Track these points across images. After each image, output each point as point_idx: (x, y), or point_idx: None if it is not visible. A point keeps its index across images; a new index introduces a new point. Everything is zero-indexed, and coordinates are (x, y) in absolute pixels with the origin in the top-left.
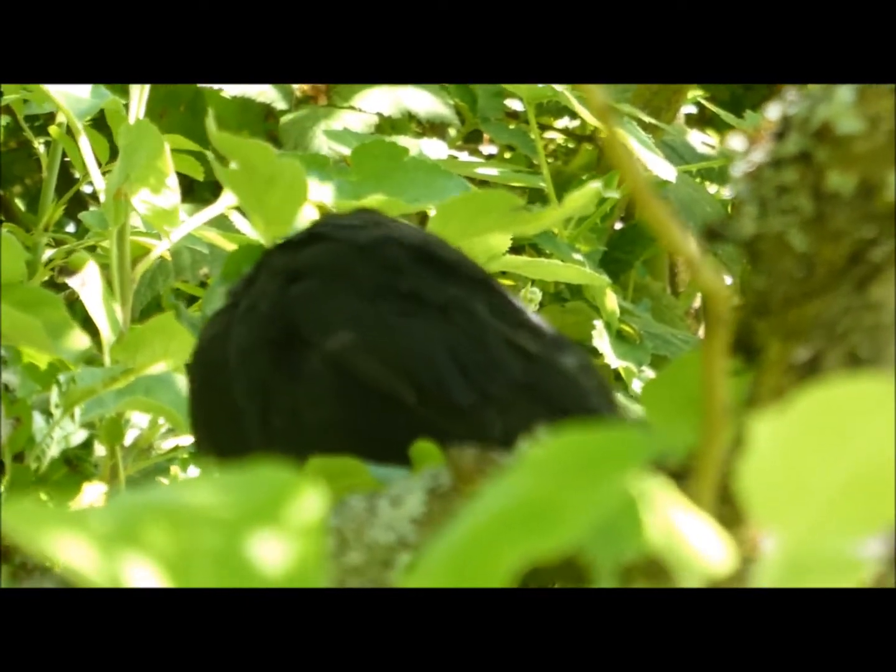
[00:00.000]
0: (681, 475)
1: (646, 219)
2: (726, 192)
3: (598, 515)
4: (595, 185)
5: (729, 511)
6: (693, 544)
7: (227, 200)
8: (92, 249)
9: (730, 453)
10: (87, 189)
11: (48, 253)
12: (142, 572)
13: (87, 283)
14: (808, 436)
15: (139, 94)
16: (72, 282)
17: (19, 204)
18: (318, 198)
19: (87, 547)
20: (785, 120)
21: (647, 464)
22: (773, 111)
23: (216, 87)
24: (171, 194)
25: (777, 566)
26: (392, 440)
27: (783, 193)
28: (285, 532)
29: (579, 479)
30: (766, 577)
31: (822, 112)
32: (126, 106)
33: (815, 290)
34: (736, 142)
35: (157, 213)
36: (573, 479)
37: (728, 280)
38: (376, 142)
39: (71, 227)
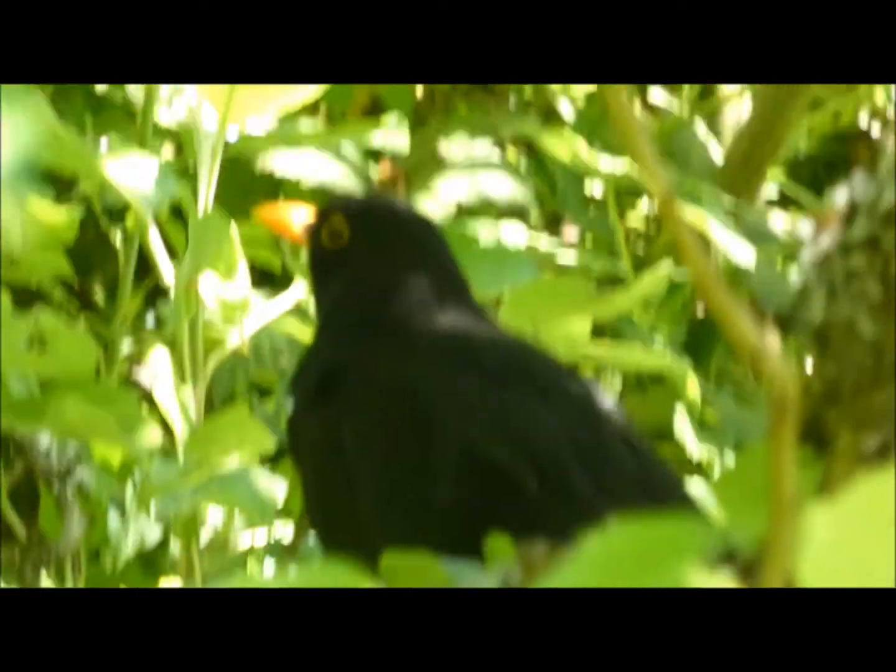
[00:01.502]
0: (752, 567)
1: (709, 305)
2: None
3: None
4: (665, 269)
5: None
6: None
7: (298, 289)
8: (171, 342)
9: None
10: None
11: (126, 345)
12: None
13: (159, 377)
14: (862, 524)
15: (206, 186)
16: (143, 377)
17: (99, 295)
18: None
19: None
20: (852, 204)
21: (710, 555)
22: (840, 195)
23: (293, 177)
24: (242, 286)
25: None
26: (509, 523)
27: (852, 279)
28: None
29: (634, 570)
30: None
31: (889, 196)
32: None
33: (884, 377)
34: (804, 226)
35: (227, 305)
36: (627, 569)
37: (807, 366)
38: (448, 227)
39: (151, 318)
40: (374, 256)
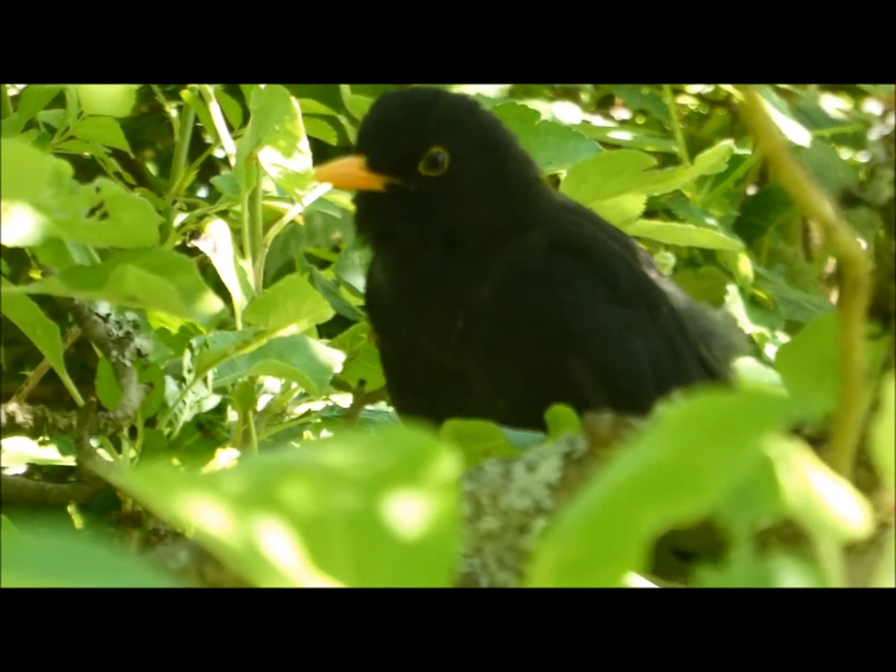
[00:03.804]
0: (818, 440)
1: (782, 182)
2: (860, 158)
3: (735, 478)
4: (727, 143)
5: (866, 475)
6: (830, 508)
7: None
8: (224, 214)
9: (866, 418)
10: (219, 154)
11: (180, 217)
12: (276, 534)
13: (219, 248)
14: None
15: None
16: (203, 246)
17: (151, 168)
18: None
19: (220, 510)
20: None
21: (784, 428)
22: None
23: None
24: (303, 158)
25: None
26: None
27: None
28: (421, 493)
29: (716, 442)
30: None
31: None
32: None
33: None
34: (873, 106)
35: (289, 176)
36: (709, 441)
37: (863, 245)
38: (508, 105)
39: (203, 192)
40: (484, 170)
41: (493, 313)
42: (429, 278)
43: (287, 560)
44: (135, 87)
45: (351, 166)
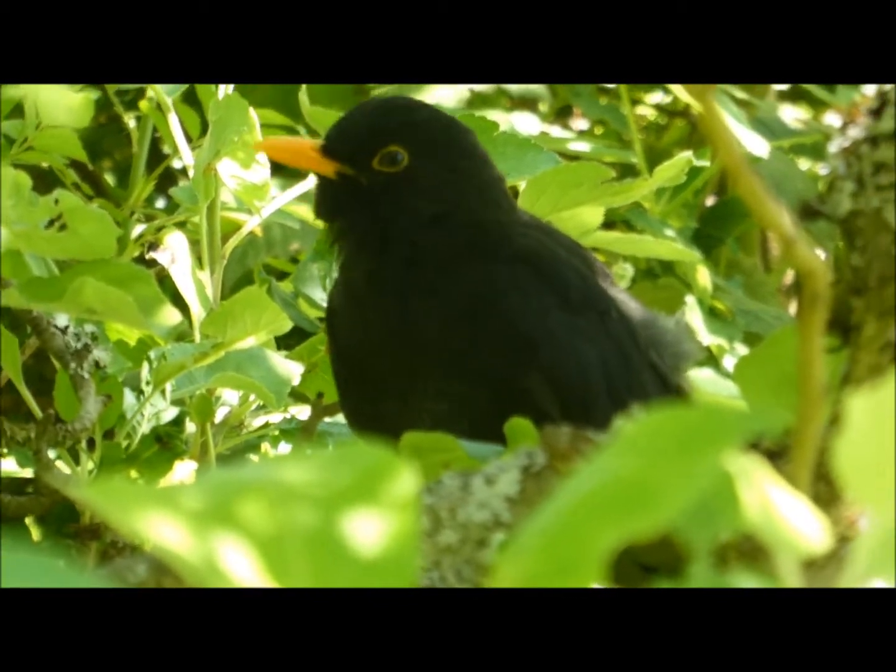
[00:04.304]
0: (776, 453)
1: (741, 193)
2: (819, 169)
3: (695, 494)
4: (686, 155)
5: (825, 489)
6: (790, 523)
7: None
8: (182, 225)
9: (826, 431)
10: (176, 165)
11: (138, 229)
12: (235, 551)
13: (177, 259)
14: None
15: None
16: (161, 257)
17: (109, 179)
18: None
19: (179, 525)
20: (881, 96)
21: (744, 443)
22: (869, 87)
23: None
24: (262, 169)
25: (873, 544)
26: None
27: (880, 170)
28: (380, 510)
29: (675, 458)
30: (862, 555)
31: None
32: None
33: None
34: (833, 118)
35: (247, 188)
36: (669, 457)
37: (823, 257)
38: (466, 116)
39: (161, 203)
40: (442, 173)
41: (444, 326)
42: (382, 289)
43: (245, 576)
44: (93, 96)
45: (302, 145)
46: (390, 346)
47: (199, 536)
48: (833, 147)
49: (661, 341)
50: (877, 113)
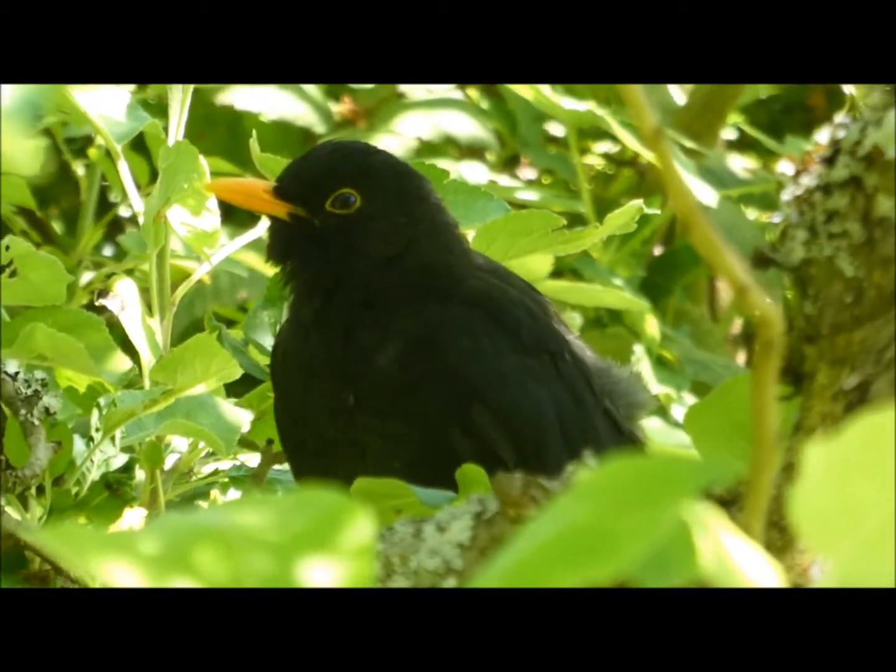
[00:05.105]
0: (729, 501)
1: (694, 242)
2: (767, 218)
3: (652, 543)
4: (637, 203)
5: (778, 537)
6: (744, 571)
7: (266, 223)
8: (130, 273)
9: (778, 479)
10: (124, 213)
11: (87, 276)
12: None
13: (126, 306)
14: (858, 463)
15: (178, 116)
16: (111, 304)
17: (56, 226)
18: None
19: (136, 570)
20: (834, 144)
21: (699, 492)
22: (822, 135)
23: (255, 110)
24: (212, 216)
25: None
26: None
27: (833, 218)
28: (336, 556)
29: (634, 506)
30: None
31: (873, 137)
32: (165, 128)
33: (865, 315)
34: (785, 166)
35: (198, 235)
36: (628, 505)
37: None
38: (416, 164)
39: (109, 251)
40: (394, 216)
41: (391, 380)
42: (329, 322)
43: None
44: (42, 144)
45: (254, 186)
46: (329, 376)
47: (156, 581)
48: (786, 195)
49: (615, 390)
50: (830, 161)
